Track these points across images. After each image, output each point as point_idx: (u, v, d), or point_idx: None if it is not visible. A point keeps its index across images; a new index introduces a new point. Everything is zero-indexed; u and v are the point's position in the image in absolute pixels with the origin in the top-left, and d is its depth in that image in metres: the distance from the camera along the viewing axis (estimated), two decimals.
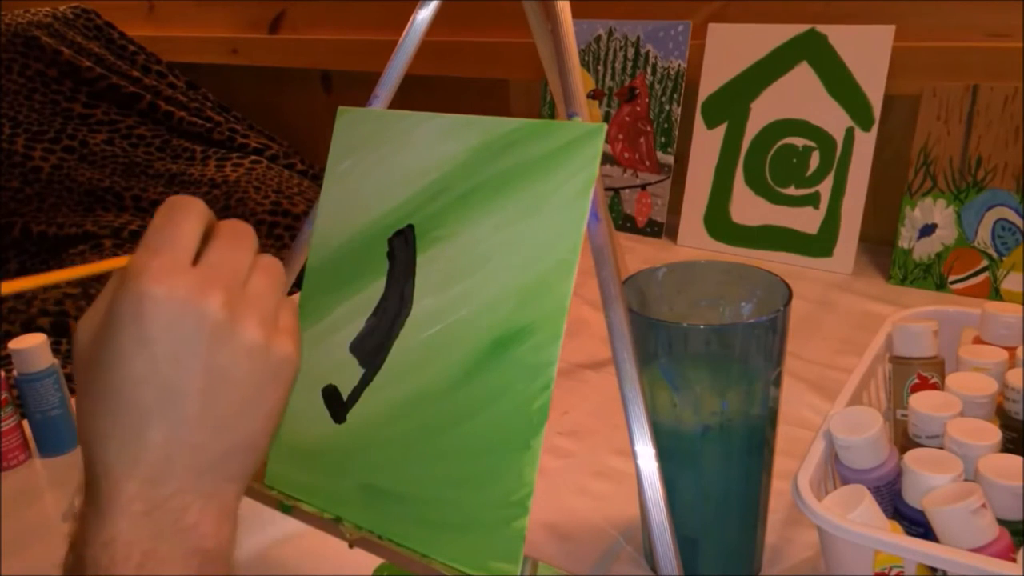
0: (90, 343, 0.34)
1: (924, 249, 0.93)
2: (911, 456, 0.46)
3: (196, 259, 0.35)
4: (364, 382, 0.48)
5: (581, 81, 0.51)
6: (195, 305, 0.33)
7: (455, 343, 0.45)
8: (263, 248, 0.39)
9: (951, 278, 0.92)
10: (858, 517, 0.43)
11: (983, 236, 0.90)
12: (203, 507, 0.33)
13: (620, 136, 1.17)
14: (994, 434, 0.48)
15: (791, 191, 1.02)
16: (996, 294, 0.89)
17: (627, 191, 1.16)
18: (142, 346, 0.33)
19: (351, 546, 0.47)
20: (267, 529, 0.59)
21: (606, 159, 1.17)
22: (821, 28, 0.99)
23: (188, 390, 0.33)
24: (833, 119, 0.99)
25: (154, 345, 0.33)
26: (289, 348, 0.36)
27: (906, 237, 0.94)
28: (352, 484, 0.47)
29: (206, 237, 0.37)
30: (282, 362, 0.36)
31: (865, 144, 0.97)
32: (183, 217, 0.36)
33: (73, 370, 0.36)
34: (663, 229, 1.13)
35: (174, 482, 0.33)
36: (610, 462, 0.67)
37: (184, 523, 0.33)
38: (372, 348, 0.48)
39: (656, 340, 0.48)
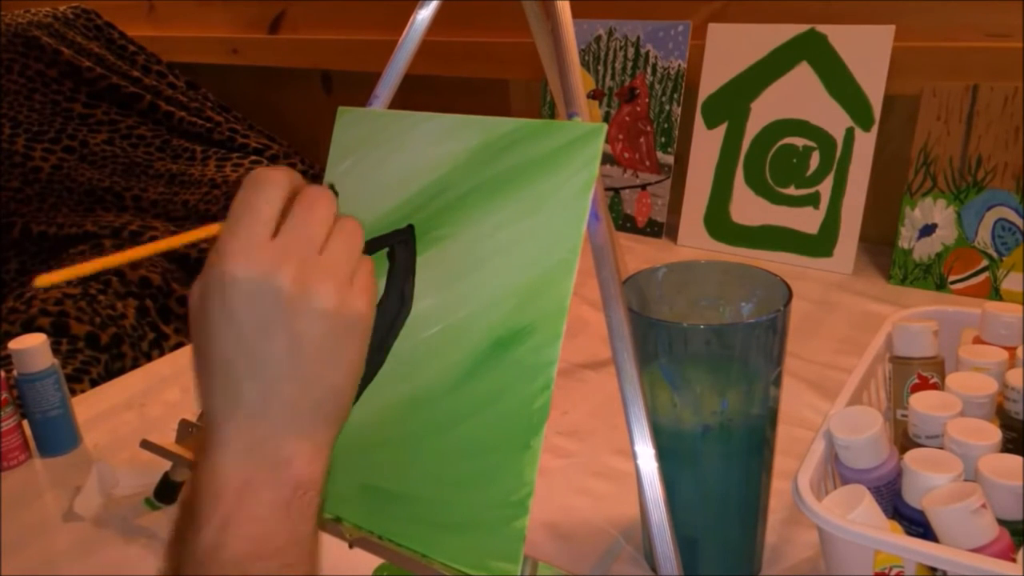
0: (196, 309, 0.39)
1: (924, 249, 0.93)
2: (911, 456, 0.46)
3: (278, 228, 0.39)
4: (364, 382, 0.48)
5: (581, 81, 0.51)
6: (270, 281, 0.37)
7: (455, 343, 0.45)
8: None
9: (951, 278, 0.92)
10: (858, 517, 0.43)
11: (983, 236, 0.90)
12: (297, 445, 0.38)
13: (620, 136, 1.17)
14: (994, 434, 0.48)
15: (791, 191, 1.02)
16: (996, 294, 0.89)
17: (627, 191, 1.16)
18: (229, 321, 0.37)
19: (351, 546, 0.47)
20: None
21: (606, 159, 1.17)
22: (821, 28, 0.99)
23: (273, 355, 0.37)
24: (833, 119, 0.99)
25: (239, 320, 0.37)
26: (361, 306, 0.40)
27: (906, 237, 0.94)
28: (352, 484, 0.47)
29: (290, 203, 0.40)
30: (356, 319, 0.39)
31: (865, 144, 0.97)
32: (261, 191, 0.39)
33: (188, 328, 0.41)
34: (663, 229, 1.13)
35: (269, 426, 0.37)
36: (610, 462, 0.67)
37: (279, 457, 0.37)
38: (372, 348, 0.48)
39: (656, 340, 0.48)
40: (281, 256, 0.38)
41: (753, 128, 1.05)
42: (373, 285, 0.42)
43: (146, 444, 0.62)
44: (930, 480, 0.45)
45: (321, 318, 0.38)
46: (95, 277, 1.15)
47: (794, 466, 0.47)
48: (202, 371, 0.39)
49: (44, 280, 0.38)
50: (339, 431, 0.41)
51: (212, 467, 0.37)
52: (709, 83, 1.08)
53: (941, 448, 0.48)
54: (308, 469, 0.38)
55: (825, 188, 1.00)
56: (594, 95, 1.19)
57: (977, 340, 0.59)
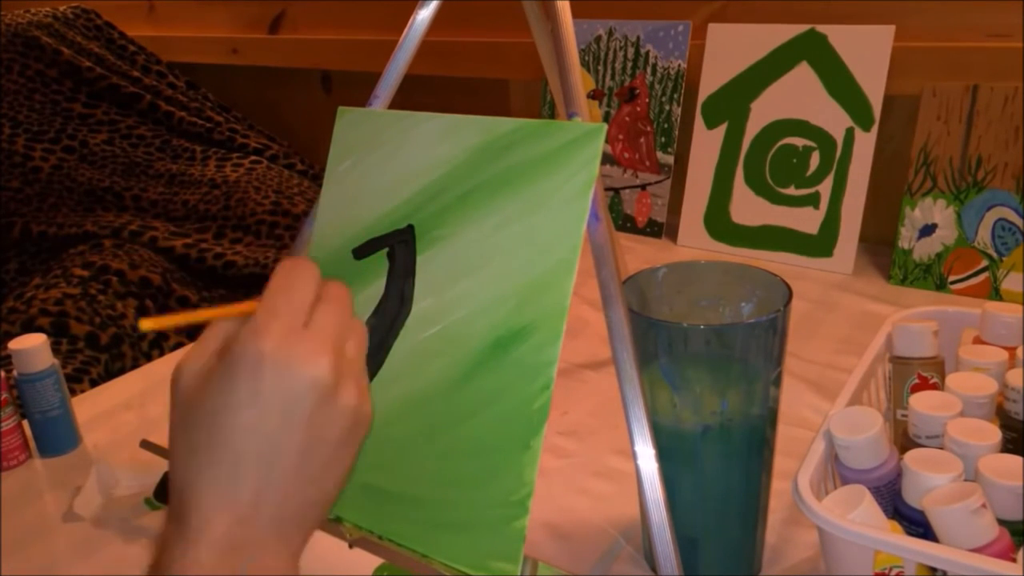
0: (196, 385, 0.37)
1: (924, 249, 0.93)
2: (911, 456, 0.46)
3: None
4: None
5: (581, 81, 0.51)
6: (309, 368, 0.36)
7: (455, 343, 0.45)
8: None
9: (951, 278, 0.92)
10: (858, 517, 0.43)
11: (983, 236, 0.90)
12: (277, 551, 0.36)
13: (620, 136, 1.17)
14: (994, 434, 0.48)
15: (791, 191, 1.02)
16: (996, 294, 0.89)
17: (627, 191, 1.16)
18: (254, 400, 0.36)
19: (351, 546, 0.47)
20: None
21: (606, 159, 1.17)
22: (821, 28, 0.99)
23: (288, 445, 0.36)
24: (833, 119, 0.99)
25: (266, 401, 0.36)
26: (369, 408, 0.40)
27: (906, 237, 0.94)
28: (352, 484, 0.47)
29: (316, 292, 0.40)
30: (365, 420, 0.39)
31: (865, 144, 0.97)
32: (299, 282, 0.39)
33: (171, 405, 0.39)
34: (663, 229, 1.13)
35: (258, 526, 0.36)
36: (610, 462, 0.67)
37: (260, 563, 0.35)
38: (372, 348, 0.48)
39: (656, 340, 0.48)
40: (320, 346, 0.37)
41: (753, 128, 1.05)
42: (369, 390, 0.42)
43: (146, 444, 0.62)
44: (930, 480, 0.45)
45: (342, 416, 0.37)
46: (94, 277, 1.15)
47: (794, 466, 0.47)
48: (195, 451, 0.37)
49: (147, 324, 0.38)
50: (308, 540, 0.39)
51: (192, 556, 0.35)
52: (709, 83, 1.08)
53: (941, 448, 0.48)
54: None
55: (825, 188, 1.00)
56: (594, 95, 1.19)
57: (977, 340, 0.59)
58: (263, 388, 0.36)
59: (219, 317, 0.40)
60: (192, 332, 1.14)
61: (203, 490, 0.36)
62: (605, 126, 0.42)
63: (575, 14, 0.54)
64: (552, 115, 1.21)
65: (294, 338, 0.37)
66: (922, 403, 0.51)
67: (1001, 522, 0.42)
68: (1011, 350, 0.55)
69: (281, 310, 0.37)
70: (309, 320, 0.38)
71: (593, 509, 0.62)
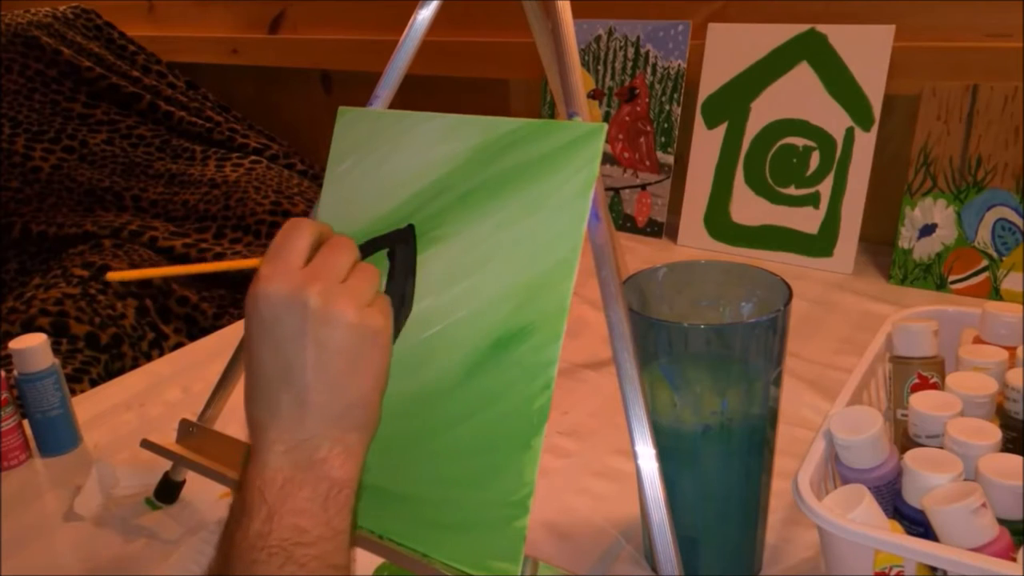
0: (244, 333, 0.45)
1: (924, 249, 0.93)
2: (911, 456, 0.46)
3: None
4: None
5: (581, 81, 0.51)
6: (298, 297, 0.42)
7: (455, 343, 0.45)
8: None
9: (951, 278, 0.92)
10: (858, 517, 0.43)
11: (983, 236, 0.90)
12: (330, 447, 0.42)
13: (620, 136, 1.17)
14: (994, 434, 0.48)
15: (791, 191, 1.02)
16: (996, 294, 0.89)
17: (627, 191, 1.16)
18: (265, 334, 0.43)
19: (351, 546, 0.47)
20: None
21: (606, 159, 1.17)
22: (821, 28, 0.99)
23: (303, 363, 0.42)
24: (833, 119, 0.99)
25: (273, 332, 0.43)
26: (379, 321, 0.44)
27: (906, 237, 0.94)
28: None
29: (319, 247, 0.45)
30: (375, 332, 0.44)
31: (865, 144, 0.97)
32: (295, 232, 0.45)
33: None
34: (663, 229, 1.13)
35: (305, 431, 0.42)
36: (610, 462, 0.67)
37: (315, 458, 0.42)
38: None
39: (656, 340, 0.48)
40: (309, 278, 0.43)
41: (753, 128, 1.05)
42: (390, 311, 0.46)
43: (146, 444, 0.62)
44: (930, 480, 0.45)
45: (343, 329, 0.42)
46: (92, 276, 1.15)
47: (794, 466, 0.47)
48: (247, 383, 0.44)
49: (115, 276, 0.43)
50: (371, 437, 0.45)
51: (259, 467, 0.41)
52: (709, 83, 1.08)
53: (941, 448, 0.48)
54: (341, 470, 0.42)
55: (825, 188, 1.00)
56: (594, 95, 1.19)
57: (977, 340, 0.59)
58: (266, 322, 0.43)
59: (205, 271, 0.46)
60: (193, 333, 1.14)
61: (255, 412, 0.43)
62: (605, 126, 0.42)
63: (575, 14, 0.54)
64: (552, 115, 1.21)
65: (286, 276, 0.43)
66: (922, 403, 0.51)
67: (1001, 522, 0.43)
68: (1011, 350, 0.55)
69: (276, 257, 0.44)
70: (308, 262, 0.44)
71: (593, 509, 0.62)
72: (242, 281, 1.24)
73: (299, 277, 0.43)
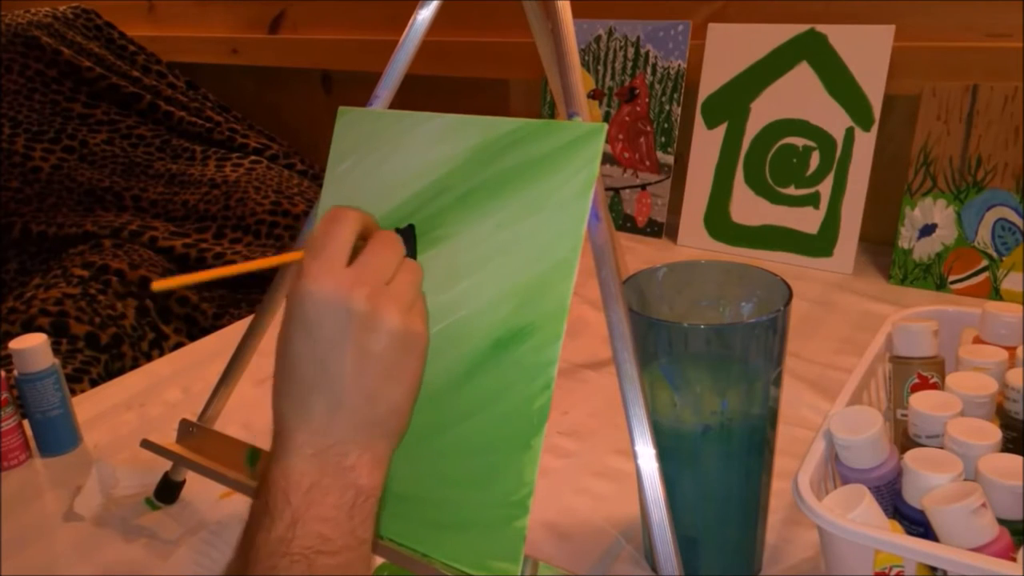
0: (282, 322, 0.43)
1: (924, 249, 0.93)
2: (911, 456, 0.46)
3: (352, 260, 0.43)
4: None
5: (581, 81, 0.51)
6: (344, 300, 0.41)
7: (456, 343, 0.45)
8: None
9: (951, 278, 0.92)
10: (858, 517, 0.43)
11: (983, 236, 0.90)
12: (359, 455, 0.41)
13: (620, 136, 1.17)
14: (994, 434, 0.48)
15: (791, 191, 1.02)
16: (996, 294, 0.89)
17: (627, 191, 1.16)
18: (305, 333, 0.41)
19: None
20: None
21: (606, 159, 1.17)
22: (821, 28, 0.99)
23: (342, 367, 0.41)
24: (833, 119, 0.99)
25: (313, 333, 0.41)
26: (420, 327, 0.44)
27: (906, 237, 0.94)
28: None
29: (364, 240, 0.44)
30: (416, 339, 0.43)
31: (865, 144, 0.97)
32: (340, 225, 0.43)
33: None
34: (663, 229, 1.13)
35: (335, 435, 0.41)
36: (610, 462, 0.67)
37: (344, 465, 0.41)
38: None
39: (656, 340, 0.48)
40: (356, 280, 0.41)
41: (753, 128, 1.05)
42: (427, 313, 0.45)
43: (146, 444, 0.62)
44: (930, 480, 0.45)
45: (387, 336, 0.41)
46: (94, 276, 1.15)
47: (794, 466, 0.47)
48: (279, 381, 0.43)
49: (160, 285, 0.42)
50: (397, 445, 0.44)
51: (284, 469, 0.40)
52: (709, 83, 1.08)
53: (941, 448, 0.48)
54: (369, 478, 0.41)
55: (825, 188, 1.00)
56: (594, 95, 1.19)
57: (977, 340, 0.59)
58: (309, 322, 0.41)
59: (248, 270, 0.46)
60: (193, 333, 1.14)
61: (285, 413, 0.42)
62: (605, 126, 0.42)
63: (575, 14, 0.54)
64: (552, 115, 1.21)
65: (331, 275, 0.41)
66: (922, 403, 0.51)
67: (1001, 522, 0.42)
68: (1011, 350, 0.55)
69: (322, 253, 0.42)
70: (354, 260, 0.43)
71: (593, 509, 0.62)
72: (242, 281, 1.24)
73: (345, 278, 0.41)
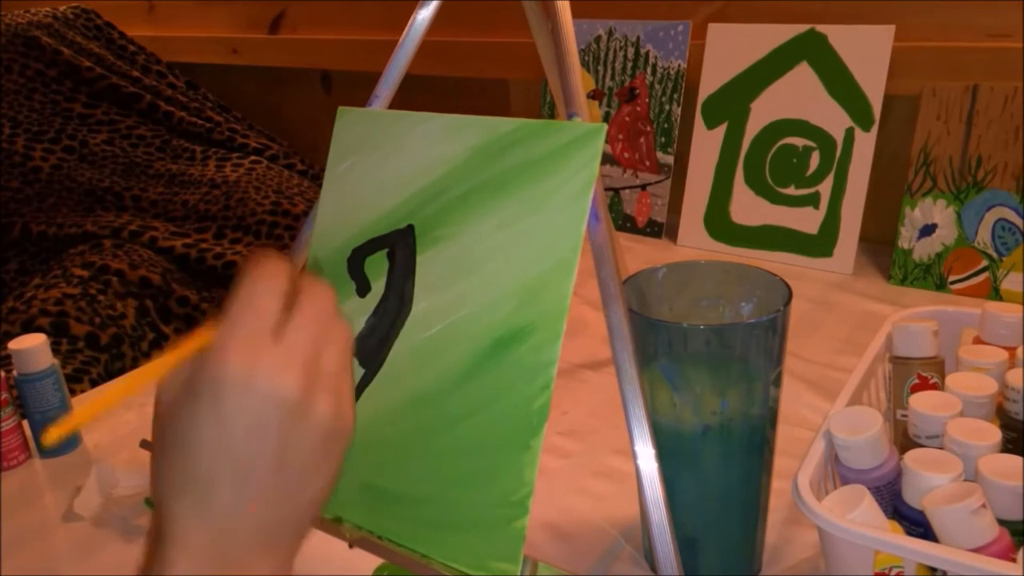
0: (171, 403, 0.36)
1: (924, 249, 0.93)
2: (911, 456, 0.46)
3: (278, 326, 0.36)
4: (364, 382, 0.48)
5: (581, 81, 0.51)
6: (273, 388, 0.35)
7: (455, 343, 0.45)
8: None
9: (951, 278, 0.92)
10: (858, 517, 0.43)
11: (983, 236, 0.90)
12: (263, 563, 0.36)
13: (620, 136, 1.17)
14: (994, 434, 0.48)
15: (791, 191, 1.02)
16: (996, 294, 0.89)
17: (627, 191, 1.16)
18: (216, 419, 0.34)
19: (351, 546, 0.47)
20: None
21: (606, 159, 1.17)
22: (821, 28, 0.99)
23: (259, 464, 0.35)
24: (833, 119, 0.99)
25: (227, 420, 0.34)
26: (349, 412, 0.38)
27: (906, 237, 0.94)
28: (352, 484, 0.47)
29: (290, 295, 0.37)
30: (345, 428, 0.38)
31: (865, 144, 0.97)
32: (264, 290, 0.36)
33: (152, 421, 0.38)
34: (663, 229, 1.13)
35: (239, 539, 0.35)
36: (610, 462, 0.67)
37: (246, 573, 0.35)
38: (372, 348, 0.48)
39: (656, 340, 0.48)
40: (285, 361, 0.35)
41: (753, 128, 1.05)
42: (354, 390, 0.40)
43: (146, 444, 0.62)
44: (930, 480, 0.45)
45: (317, 430, 0.36)
46: (96, 276, 1.15)
47: (794, 466, 0.47)
48: (171, 469, 0.36)
49: (54, 435, 0.37)
50: (301, 543, 0.38)
51: (174, 570, 0.34)
52: (709, 83, 1.08)
53: (941, 448, 0.48)
54: None
55: (825, 188, 1.00)
56: (594, 95, 1.19)
57: (977, 340, 0.59)
58: (225, 408, 0.34)
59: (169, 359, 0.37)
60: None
61: (179, 507, 0.35)
62: (605, 126, 0.42)
63: (575, 14, 0.54)
64: (552, 115, 1.21)
65: (257, 355, 0.35)
66: (922, 403, 0.51)
67: (1001, 522, 0.42)
68: (1011, 350, 0.55)
69: (242, 324, 0.35)
70: (281, 330, 0.36)
71: (593, 509, 0.62)
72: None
73: (273, 359, 0.35)
